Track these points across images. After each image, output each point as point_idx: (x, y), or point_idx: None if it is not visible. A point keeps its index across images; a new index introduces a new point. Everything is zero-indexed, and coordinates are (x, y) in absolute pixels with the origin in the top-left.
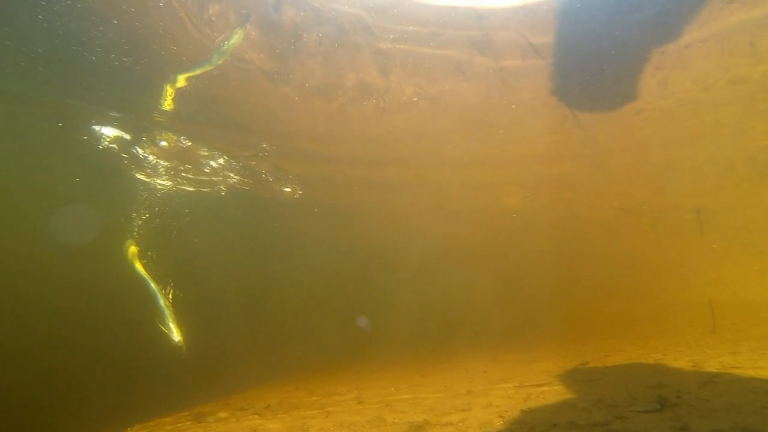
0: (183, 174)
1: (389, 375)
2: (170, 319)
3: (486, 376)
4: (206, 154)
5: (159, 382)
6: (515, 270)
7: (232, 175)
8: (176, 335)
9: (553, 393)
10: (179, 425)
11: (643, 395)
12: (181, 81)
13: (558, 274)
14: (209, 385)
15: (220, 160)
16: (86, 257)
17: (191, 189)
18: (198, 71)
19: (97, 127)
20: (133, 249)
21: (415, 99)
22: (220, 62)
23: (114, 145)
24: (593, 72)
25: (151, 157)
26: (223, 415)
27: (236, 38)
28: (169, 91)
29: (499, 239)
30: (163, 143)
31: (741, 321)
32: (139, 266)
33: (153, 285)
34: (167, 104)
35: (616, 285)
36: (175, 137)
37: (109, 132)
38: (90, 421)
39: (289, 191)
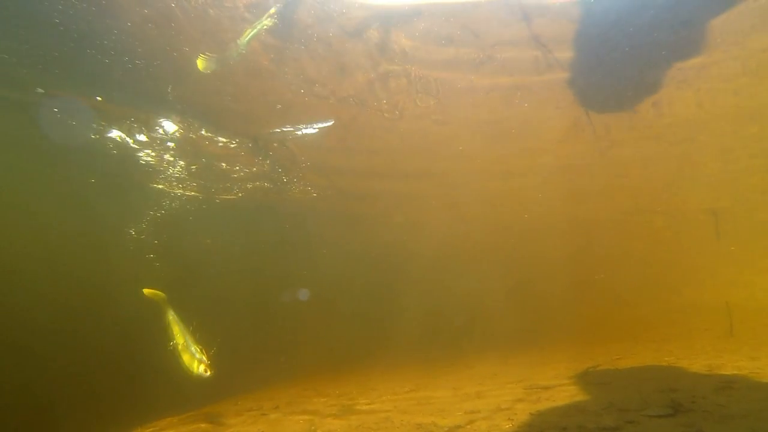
0: (195, 177)
1: (398, 376)
2: (202, 358)
3: (496, 378)
4: (218, 156)
5: (167, 381)
6: (527, 272)
7: (247, 179)
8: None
9: (564, 396)
10: (188, 426)
11: (656, 399)
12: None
13: (570, 276)
14: (218, 386)
15: (236, 167)
16: (93, 255)
17: (202, 192)
18: (234, 52)
19: (109, 128)
20: (162, 296)
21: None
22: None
23: (126, 147)
24: (609, 70)
25: (166, 157)
26: (231, 415)
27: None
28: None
29: (511, 241)
30: (171, 144)
31: (760, 325)
32: (170, 316)
33: (187, 336)
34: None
35: (630, 287)
36: (190, 136)
37: (121, 134)
38: (97, 420)
39: (301, 193)
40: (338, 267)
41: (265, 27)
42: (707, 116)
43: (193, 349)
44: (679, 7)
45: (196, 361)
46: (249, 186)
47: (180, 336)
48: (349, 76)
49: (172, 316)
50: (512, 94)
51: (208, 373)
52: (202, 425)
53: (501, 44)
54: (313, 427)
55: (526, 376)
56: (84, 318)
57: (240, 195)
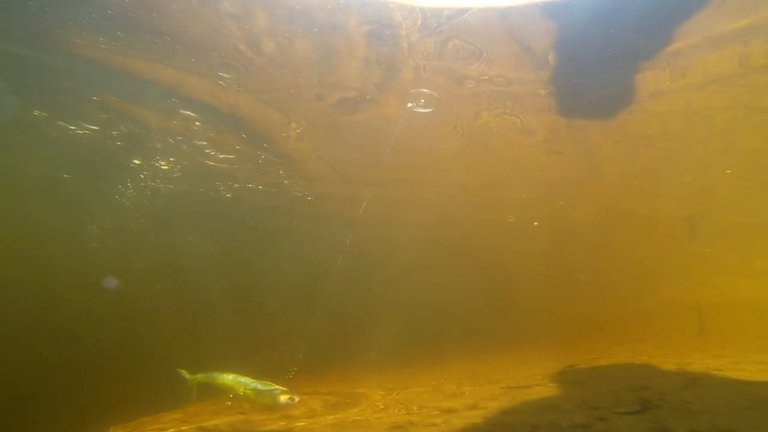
0: (182, 175)
1: (377, 375)
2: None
3: (474, 377)
4: (215, 155)
5: (143, 379)
6: (507, 272)
7: (235, 179)
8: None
9: (539, 395)
10: (163, 425)
11: (627, 397)
12: None
13: (550, 277)
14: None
15: (235, 165)
16: (71, 250)
17: (188, 191)
18: None
19: (84, 120)
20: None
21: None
22: None
23: (108, 140)
24: (585, 77)
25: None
26: (209, 414)
27: None
28: None
29: (492, 241)
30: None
31: (728, 325)
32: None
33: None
34: None
35: (608, 288)
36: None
37: (99, 125)
38: (70, 418)
39: (284, 193)
40: (318, 265)
41: None
42: (682, 122)
43: (261, 387)
44: (654, 10)
45: (276, 396)
46: (236, 186)
47: (243, 386)
48: (337, 76)
49: (219, 377)
50: (494, 96)
51: (296, 398)
52: (179, 424)
53: (487, 48)
54: (289, 426)
55: (504, 375)
56: (59, 315)
57: (229, 196)
